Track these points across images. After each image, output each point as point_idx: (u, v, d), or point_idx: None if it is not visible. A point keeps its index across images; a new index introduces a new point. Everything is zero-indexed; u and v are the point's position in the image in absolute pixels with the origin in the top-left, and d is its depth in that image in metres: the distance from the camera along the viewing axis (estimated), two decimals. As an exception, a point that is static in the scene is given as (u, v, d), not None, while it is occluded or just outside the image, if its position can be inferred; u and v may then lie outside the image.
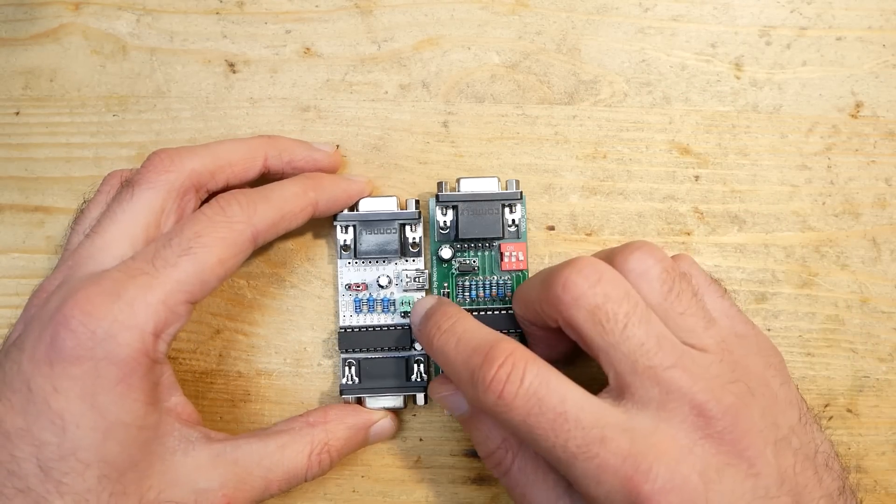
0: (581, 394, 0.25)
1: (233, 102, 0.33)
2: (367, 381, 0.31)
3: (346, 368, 0.31)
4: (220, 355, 0.33)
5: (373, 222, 0.31)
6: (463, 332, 0.27)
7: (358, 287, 0.31)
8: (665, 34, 0.33)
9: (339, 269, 0.32)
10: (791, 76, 0.33)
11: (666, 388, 0.24)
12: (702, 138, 0.33)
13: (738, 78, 0.33)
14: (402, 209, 0.32)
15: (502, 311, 0.31)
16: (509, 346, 0.25)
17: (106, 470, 0.25)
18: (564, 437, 0.24)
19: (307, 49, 0.33)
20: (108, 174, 0.31)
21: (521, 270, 0.31)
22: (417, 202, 0.31)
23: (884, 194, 0.33)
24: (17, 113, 0.34)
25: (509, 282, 0.31)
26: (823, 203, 0.33)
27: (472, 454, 0.33)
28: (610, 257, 0.27)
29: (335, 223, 0.31)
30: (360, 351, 0.31)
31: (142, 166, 0.29)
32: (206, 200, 0.29)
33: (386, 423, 0.31)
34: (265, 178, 0.31)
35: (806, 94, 0.33)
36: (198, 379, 0.33)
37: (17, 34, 0.34)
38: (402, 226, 0.31)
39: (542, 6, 0.33)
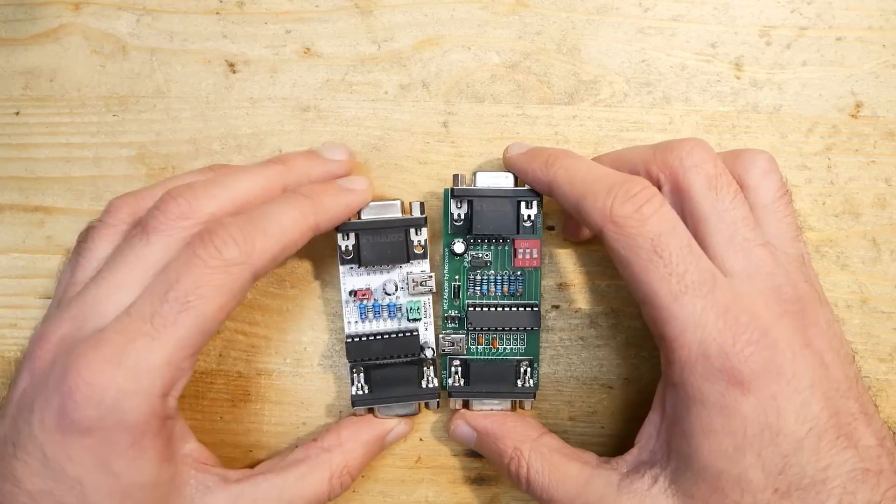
0: None
1: (233, 102, 0.33)
2: (379, 391, 0.30)
3: (355, 377, 0.30)
4: (220, 355, 0.33)
5: (376, 229, 0.30)
6: (592, 163, 0.28)
7: (364, 294, 0.31)
8: (665, 34, 0.33)
9: (341, 276, 0.30)
10: (791, 76, 0.33)
11: (754, 262, 0.26)
12: (702, 138, 0.33)
13: (738, 78, 0.33)
14: (404, 213, 0.30)
15: (514, 308, 0.31)
16: (647, 182, 0.27)
17: None
18: (684, 267, 0.25)
19: (307, 49, 0.33)
20: (113, 205, 0.29)
21: (535, 268, 0.31)
22: (422, 205, 0.30)
23: (884, 194, 0.33)
24: (17, 113, 0.34)
25: (521, 277, 0.31)
26: (823, 203, 0.33)
27: (472, 454, 0.33)
28: (729, 153, 0.29)
29: (337, 231, 0.30)
30: (370, 360, 0.30)
31: (157, 208, 0.27)
32: None
33: (401, 428, 0.31)
34: None
35: (806, 94, 0.33)
36: (198, 379, 0.33)
37: (17, 34, 0.34)
38: (407, 230, 0.30)
39: (542, 6, 0.33)
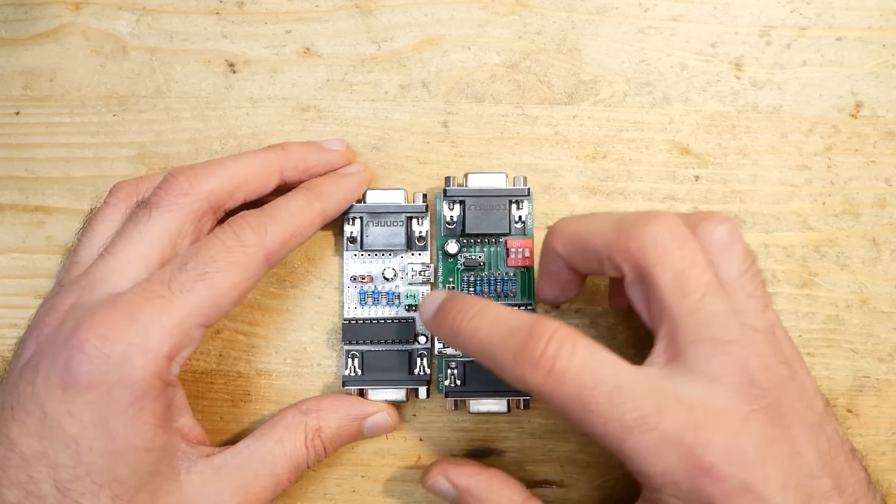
0: (630, 365, 0.24)
1: (233, 102, 0.33)
2: (370, 374, 0.31)
3: (349, 360, 0.31)
4: (220, 355, 0.33)
5: (380, 214, 0.31)
6: (496, 316, 0.26)
7: (363, 279, 0.32)
8: (665, 34, 0.33)
9: (344, 261, 0.32)
10: (791, 76, 0.33)
11: (724, 361, 0.24)
12: (702, 138, 0.33)
13: (738, 78, 0.33)
14: (409, 202, 0.32)
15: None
16: (553, 323, 0.24)
17: (118, 490, 0.25)
18: (621, 409, 0.23)
19: (307, 49, 0.33)
20: (115, 186, 0.31)
21: (527, 267, 0.31)
22: (425, 196, 0.32)
23: (884, 194, 0.33)
24: (17, 113, 0.34)
25: (514, 278, 0.31)
26: (823, 203, 0.33)
27: (472, 455, 0.33)
28: (690, 223, 0.26)
29: (343, 216, 0.31)
30: (364, 343, 0.31)
31: (158, 187, 0.28)
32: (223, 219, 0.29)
33: (381, 417, 0.31)
34: (281, 189, 0.30)
35: (806, 94, 0.33)
36: (198, 379, 0.33)
37: (17, 34, 0.34)
38: (409, 219, 0.31)
39: (542, 6, 0.33)
